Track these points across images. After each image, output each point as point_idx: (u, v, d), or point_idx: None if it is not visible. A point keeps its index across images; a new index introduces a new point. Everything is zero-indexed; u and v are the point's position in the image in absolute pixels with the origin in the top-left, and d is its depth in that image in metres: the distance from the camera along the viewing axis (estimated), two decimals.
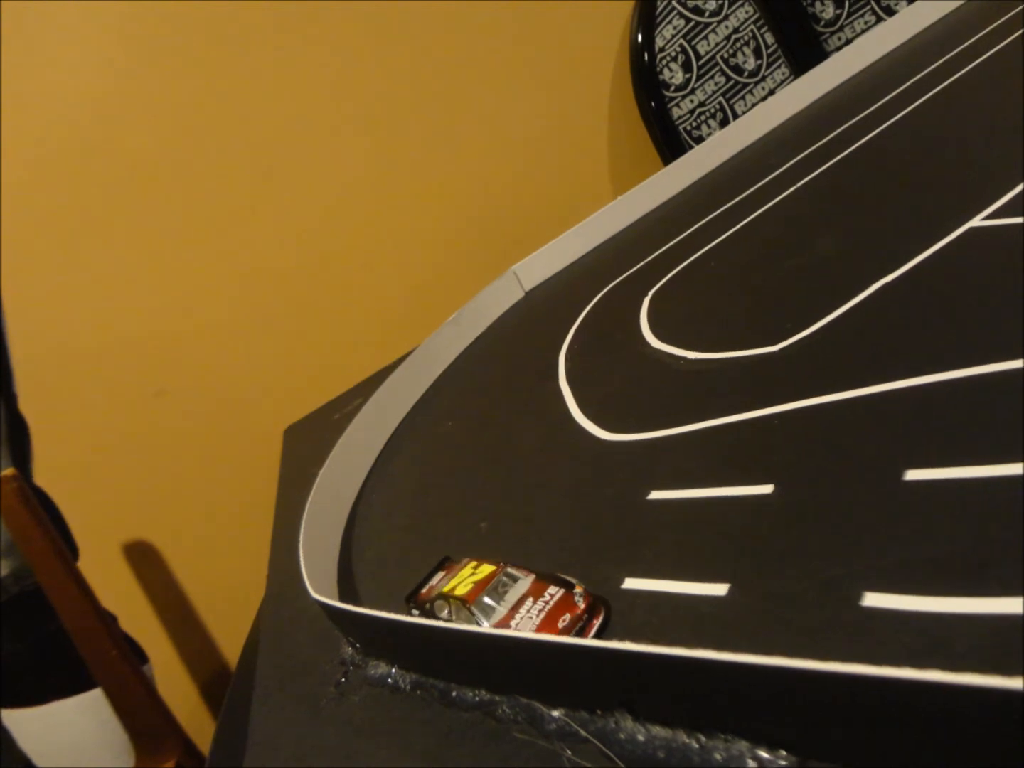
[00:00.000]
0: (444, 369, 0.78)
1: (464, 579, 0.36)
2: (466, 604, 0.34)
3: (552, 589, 0.34)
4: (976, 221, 0.45)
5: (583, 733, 0.27)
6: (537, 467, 0.49)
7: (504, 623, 0.33)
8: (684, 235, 0.77)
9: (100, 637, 0.84)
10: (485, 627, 0.33)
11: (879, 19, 1.39)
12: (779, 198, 0.71)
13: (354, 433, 0.64)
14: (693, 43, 1.37)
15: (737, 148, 0.98)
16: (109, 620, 0.86)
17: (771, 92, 1.42)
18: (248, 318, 1.23)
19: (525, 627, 0.32)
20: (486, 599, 0.34)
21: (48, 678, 0.89)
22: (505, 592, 0.35)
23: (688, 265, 0.69)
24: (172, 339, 1.19)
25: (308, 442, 0.83)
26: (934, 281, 0.43)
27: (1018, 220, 0.43)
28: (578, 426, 0.51)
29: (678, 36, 1.36)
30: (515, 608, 0.34)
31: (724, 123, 1.40)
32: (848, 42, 1.39)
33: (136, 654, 0.90)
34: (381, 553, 0.51)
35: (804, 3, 1.42)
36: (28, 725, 0.90)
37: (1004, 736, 0.17)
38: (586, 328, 0.69)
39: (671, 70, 1.36)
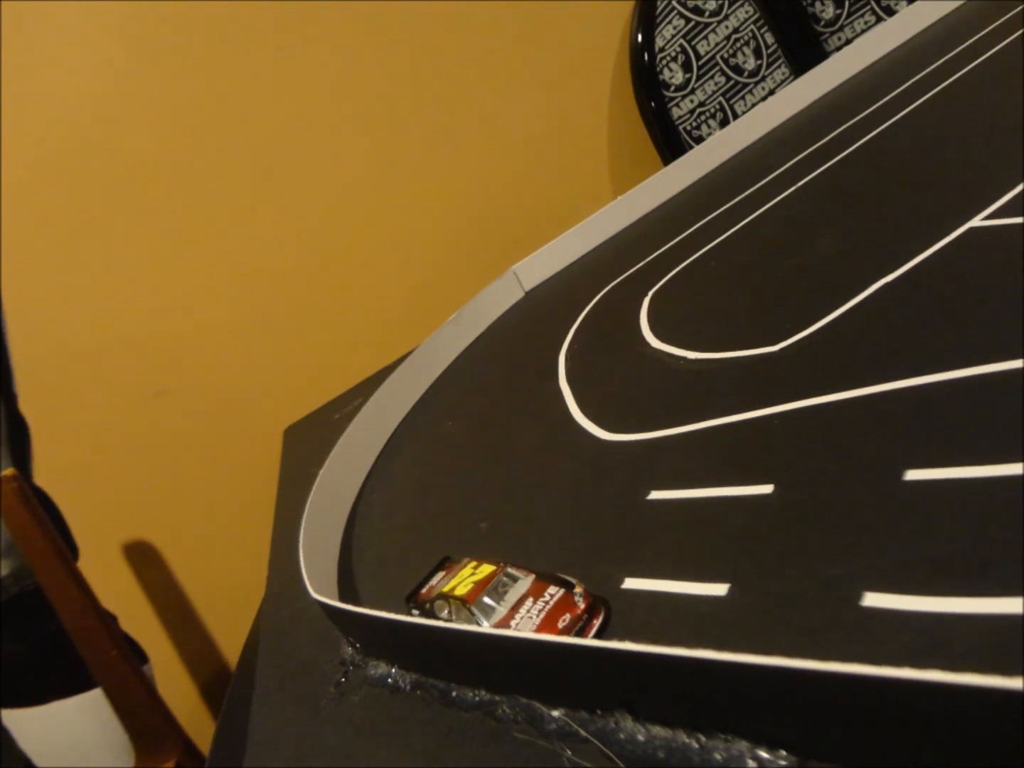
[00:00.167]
0: (444, 369, 0.78)
1: (464, 579, 0.36)
2: (466, 604, 0.34)
3: (552, 589, 0.34)
4: (976, 221, 0.45)
5: (583, 733, 0.27)
6: (537, 467, 0.49)
7: (504, 623, 0.33)
8: (684, 235, 0.77)
9: (100, 637, 0.84)
10: (485, 627, 0.33)
11: (879, 19, 1.39)
12: (779, 198, 0.71)
13: (354, 433, 0.64)
14: (693, 43, 1.37)
15: (737, 148, 0.98)
16: (109, 620, 0.86)
17: (771, 92, 1.42)
18: (248, 318, 1.23)
19: (525, 627, 0.32)
20: (486, 599, 0.34)
21: (48, 678, 0.89)
22: (505, 592, 0.35)
23: (688, 265, 0.69)
24: (172, 339, 1.19)
25: (308, 442, 0.83)
26: (934, 281, 0.43)
27: (1018, 220, 0.43)
28: (578, 426, 0.51)
29: (678, 36, 1.36)
30: (515, 608, 0.34)
31: (724, 123, 1.40)
32: (848, 42, 1.39)
33: (136, 654, 0.90)
34: (381, 553, 0.51)
35: (804, 3, 1.42)
36: (28, 725, 0.90)
37: (1004, 736, 0.17)
38: (586, 328, 0.69)
39: (671, 70, 1.36)
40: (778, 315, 0.50)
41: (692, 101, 1.38)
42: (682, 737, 0.25)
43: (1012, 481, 0.27)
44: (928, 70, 0.82)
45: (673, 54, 1.36)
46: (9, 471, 0.81)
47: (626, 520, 0.38)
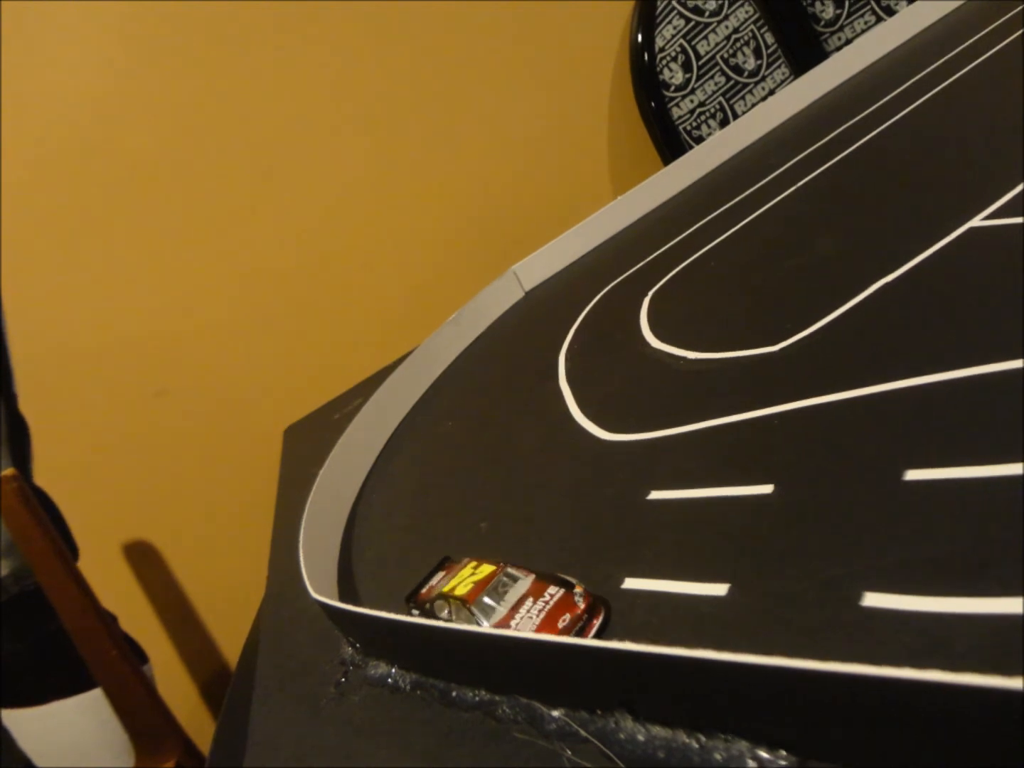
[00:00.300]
0: (444, 369, 0.78)
1: (464, 579, 0.36)
2: (466, 604, 0.34)
3: (552, 589, 0.34)
4: (976, 221, 0.45)
5: (583, 733, 0.27)
6: (537, 467, 0.49)
7: (504, 623, 0.33)
8: (684, 235, 0.77)
9: (100, 637, 0.84)
10: (485, 627, 0.33)
11: (879, 19, 1.39)
12: (779, 198, 0.71)
13: (354, 433, 0.64)
14: (693, 43, 1.37)
15: (737, 148, 0.98)
16: (109, 620, 0.86)
17: (771, 92, 1.42)
18: (248, 318, 1.23)
19: (525, 627, 0.32)
20: (486, 599, 0.34)
21: (48, 678, 0.89)
22: (505, 592, 0.35)
23: (688, 265, 0.69)
24: (172, 339, 1.19)
25: (308, 442, 0.83)
26: (934, 281, 0.43)
27: (1018, 220, 0.43)
28: (578, 426, 0.51)
29: (678, 36, 1.36)
30: (515, 608, 0.34)
31: (724, 123, 1.40)
32: (848, 42, 1.39)
33: (136, 654, 0.90)
34: (381, 553, 0.51)
35: (804, 3, 1.42)
36: (28, 725, 0.90)
37: (1004, 736, 0.17)
38: (586, 328, 0.69)
39: (671, 70, 1.36)
40: (778, 315, 0.50)
41: (692, 101, 1.38)
42: (682, 737, 0.25)
43: (1012, 481, 0.27)
44: (928, 70, 0.82)
45: (673, 54, 1.36)
46: (9, 471, 0.81)
47: (626, 520, 0.38)
